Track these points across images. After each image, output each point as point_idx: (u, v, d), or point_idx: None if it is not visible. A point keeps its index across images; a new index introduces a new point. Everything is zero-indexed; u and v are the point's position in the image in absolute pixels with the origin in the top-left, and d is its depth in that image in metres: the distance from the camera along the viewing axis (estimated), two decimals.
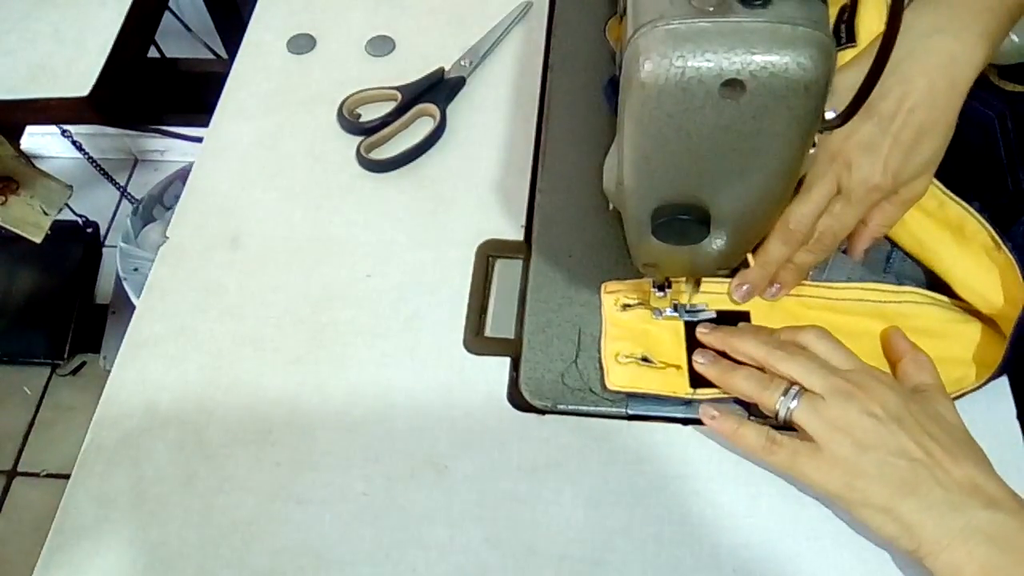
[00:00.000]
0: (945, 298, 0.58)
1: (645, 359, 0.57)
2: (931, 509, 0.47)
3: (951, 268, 0.58)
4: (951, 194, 0.58)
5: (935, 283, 0.59)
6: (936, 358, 0.55)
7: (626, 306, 0.60)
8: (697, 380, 0.56)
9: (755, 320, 0.59)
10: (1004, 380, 0.57)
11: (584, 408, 0.57)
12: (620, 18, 0.69)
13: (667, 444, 0.55)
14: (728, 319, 0.59)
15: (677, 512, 0.53)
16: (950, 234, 0.58)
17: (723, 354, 0.57)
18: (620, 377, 0.57)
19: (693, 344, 0.58)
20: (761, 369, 0.54)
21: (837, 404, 0.50)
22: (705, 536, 0.52)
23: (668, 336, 0.59)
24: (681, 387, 0.56)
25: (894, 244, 0.61)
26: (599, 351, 0.58)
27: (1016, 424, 0.55)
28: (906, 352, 0.56)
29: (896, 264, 0.61)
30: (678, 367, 0.57)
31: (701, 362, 0.56)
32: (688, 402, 0.56)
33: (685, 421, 0.56)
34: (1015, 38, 0.72)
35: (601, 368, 0.58)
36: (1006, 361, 0.54)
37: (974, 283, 0.57)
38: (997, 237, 0.56)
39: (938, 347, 0.56)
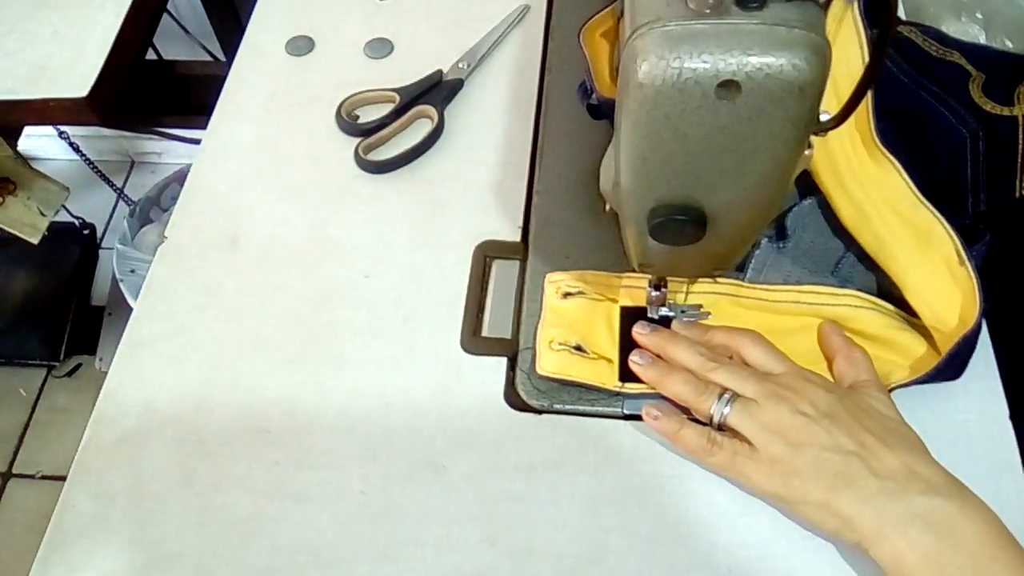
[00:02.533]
0: (886, 304, 0.58)
1: (579, 348, 0.58)
2: (868, 499, 0.47)
3: (906, 272, 0.57)
4: (925, 200, 0.58)
5: (883, 293, 0.59)
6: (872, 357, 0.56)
7: (567, 294, 0.60)
8: (626, 374, 0.57)
9: None
10: (998, 382, 0.57)
11: (581, 408, 0.57)
12: (617, 20, 0.69)
13: (663, 443, 0.55)
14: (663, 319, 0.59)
15: (673, 511, 0.53)
16: (914, 239, 0.57)
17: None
18: (550, 363, 0.57)
19: (627, 338, 0.58)
20: None
21: (769, 406, 0.51)
22: (701, 535, 0.52)
23: (603, 328, 0.59)
24: (610, 379, 0.57)
25: (848, 247, 0.61)
26: (534, 337, 0.59)
27: (1009, 425, 0.56)
28: (839, 350, 0.56)
29: (844, 269, 0.61)
30: (609, 360, 0.58)
31: (639, 362, 0.56)
32: (616, 394, 0.57)
33: None
34: (1010, 44, 0.73)
35: (535, 353, 0.58)
36: (937, 370, 0.54)
37: (927, 292, 0.56)
38: (963, 252, 0.55)
39: (871, 349, 0.56)
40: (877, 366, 0.55)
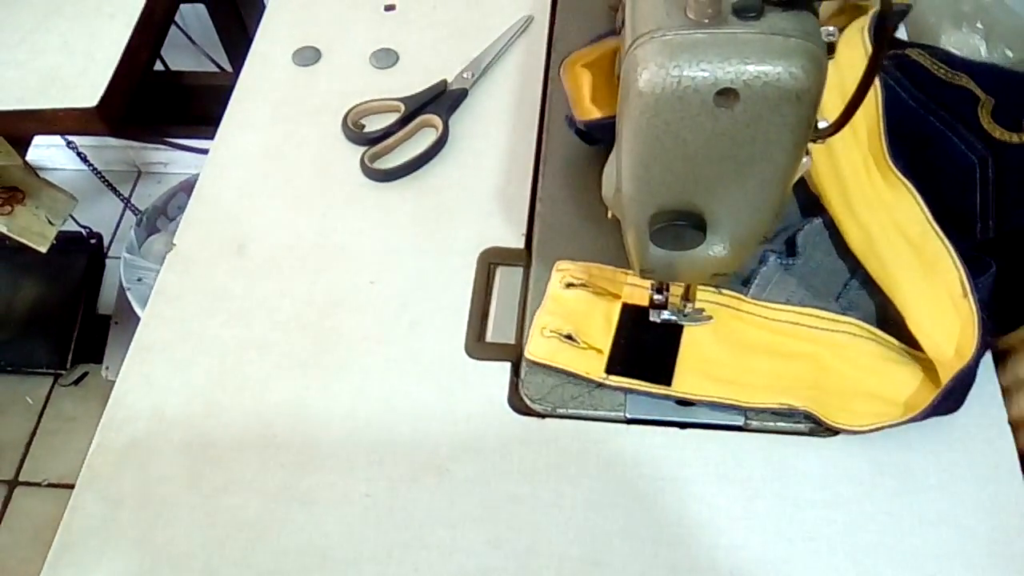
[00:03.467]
0: (886, 336, 0.58)
1: (570, 337, 0.59)
2: None
3: (909, 301, 0.57)
4: (937, 227, 0.58)
5: (886, 318, 0.59)
6: (860, 391, 0.56)
7: (570, 284, 0.62)
8: (613, 366, 0.58)
9: (686, 332, 0.59)
10: (996, 387, 0.58)
11: (583, 412, 0.58)
12: (618, 31, 0.70)
13: (665, 447, 0.56)
14: (657, 330, 0.59)
15: (675, 514, 0.54)
16: (920, 267, 0.57)
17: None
18: (539, 348, 0.59)
19: (623, 334, 0.59)
20: None
21: None
22: (702, 537, 0.53)
23: (600, 320, 0.60)
24: (596, 370, 0.58)
25: (854, 271, 0.61)
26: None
27: (1008, 428, 0.56)
28: None
29: (851, 292, 0.61)
30: (599, 351, 0.59)
31: None
32: (599, 385, 0.58)
33: (683, 425, 0.57)
34: (1009, 53, 0.74)
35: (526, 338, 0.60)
36: (933, 407, 0.53)
37: (928, 323, 0.56)
38: (968, 285, 0.55)
39: (865, 381, 0.56)
40: (867, 404, 0.55)
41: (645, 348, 0.59)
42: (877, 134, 0.62)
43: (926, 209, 0.59)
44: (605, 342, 0.59)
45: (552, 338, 0.59)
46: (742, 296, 0.60)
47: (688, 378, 0.58)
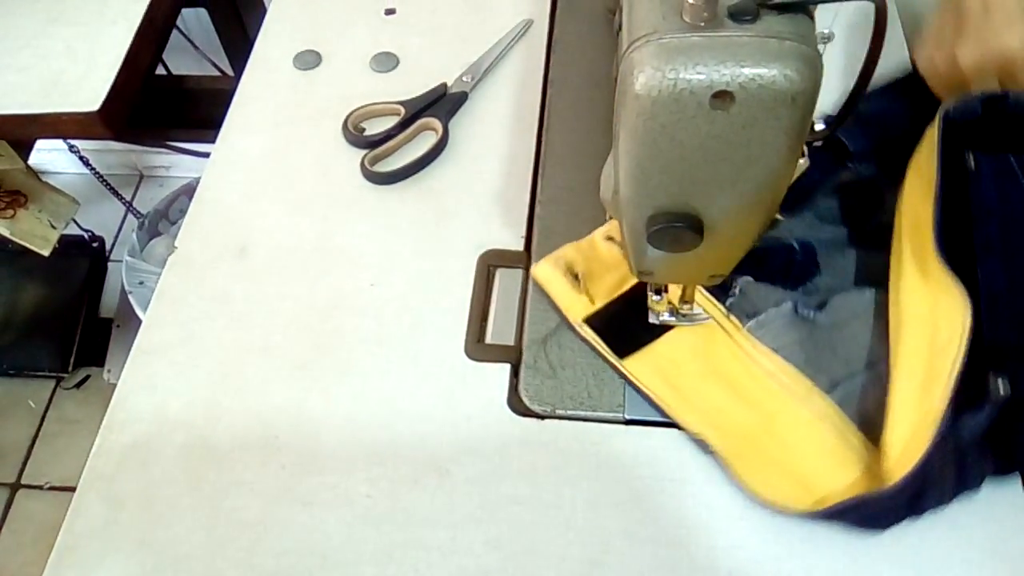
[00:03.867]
0: (856, 434, 0.55)
1: (576, 277, 0.61)
2: None
3: (894, 403, 0.53)
4: (965, 350, 0.51)
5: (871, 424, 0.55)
6: (787, 470, 0.54)
7: (610, 239, 0.63)
8: (592, 320, 0.60)
9: (677, 333, 0.59)
10: None
11: (582, 413, 0.58)
12: (616, 33, 0.71)
13: (663, 448, 0.56)
14: (641, 328, 0.60)
15: (674, 514, 0.54)
16: (923, 378, 0.53)
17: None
18: (544, 272, 0.62)
19: (623, 299, 0.61)
20: None
21: None
22: (701, 538, 0.53)
23: (614, 279, 0.62)
24: (577, 314, 0.60)
25: (886, 356, 0.56)
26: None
27: None
28: None
29: (869, 373, 0.57)
30: (592, 301, 0.60)
31: None
32: (569, 327, 0.60)
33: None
34: None
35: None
36: (830, 512, 0.51)
37: (897, 436, 0.52)
38: (941, 421, 0.50)
39: (798, 463, 0.54)
40: (787, 485, 0.53)
41: (630, 322, 0.60)
42: (926, 228, 0.56)
43: (968, 327, 0.52)
44: (603, 298, 0.60)
45: (558, 270, 0.61)
46: (740, 326, 0.59)
47: (641, 365, 0.58)
